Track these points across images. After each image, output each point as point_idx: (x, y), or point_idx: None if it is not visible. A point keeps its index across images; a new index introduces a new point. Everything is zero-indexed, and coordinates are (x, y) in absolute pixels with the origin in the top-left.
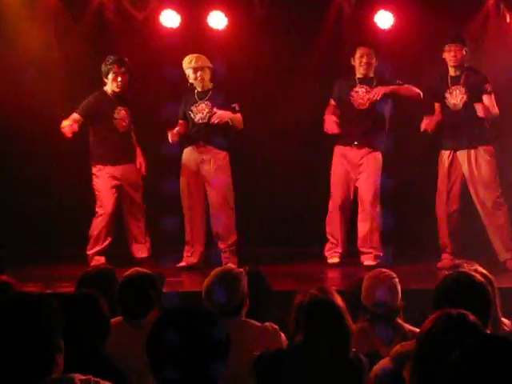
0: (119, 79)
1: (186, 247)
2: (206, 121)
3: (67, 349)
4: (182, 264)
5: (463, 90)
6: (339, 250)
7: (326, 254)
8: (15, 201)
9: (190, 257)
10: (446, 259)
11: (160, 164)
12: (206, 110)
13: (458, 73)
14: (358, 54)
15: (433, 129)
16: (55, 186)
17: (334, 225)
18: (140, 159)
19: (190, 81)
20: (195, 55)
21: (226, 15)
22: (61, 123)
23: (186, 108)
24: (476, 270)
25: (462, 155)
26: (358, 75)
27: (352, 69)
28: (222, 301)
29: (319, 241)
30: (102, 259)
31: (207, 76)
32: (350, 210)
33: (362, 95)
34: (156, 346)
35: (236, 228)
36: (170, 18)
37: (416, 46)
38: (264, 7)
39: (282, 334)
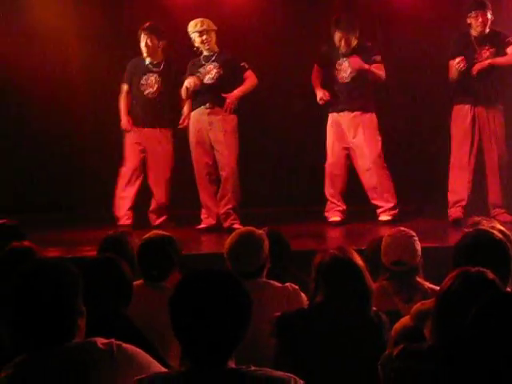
0: (144, 46)
1: (203, 210)
2: (214, 81)
3: (90, 313)
4: (202, 226)
5: (491, 49)
6: (340, 207)
7: (326, 214)
8: (36, 163)
9: (207, 218)
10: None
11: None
12: (215, 71)
13: (482, 35)
14: (336, 37)
15: None
16: (77, 146)
17: (331, 187)
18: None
19: (196, 45)
20: (200, 19)
21: None
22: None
23: (192, 72)
24: (494, 227)
25: (481, 111)
26: (341, 50)
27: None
28: (245, 262)
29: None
30: (129, 221)
31: (213, 39)
32: (347, 170)
33: (344, 68)
34: (179, 309)
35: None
36: None
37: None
38: None
39: (303, 294)
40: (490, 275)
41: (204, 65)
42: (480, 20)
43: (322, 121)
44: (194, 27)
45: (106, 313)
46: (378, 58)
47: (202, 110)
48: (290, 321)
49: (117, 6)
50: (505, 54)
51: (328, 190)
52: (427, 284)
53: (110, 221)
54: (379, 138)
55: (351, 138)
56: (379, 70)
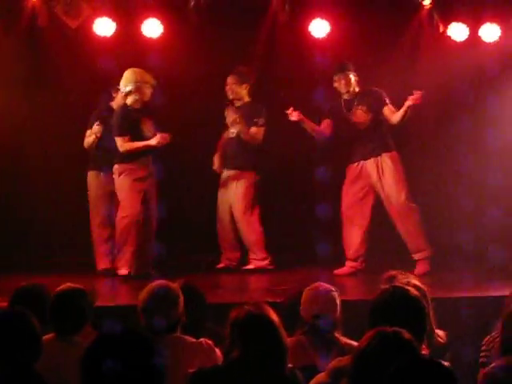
0: None
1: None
2: None
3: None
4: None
5: (364, 108)
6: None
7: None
8: None
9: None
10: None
11: None
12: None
13: (351, 97)
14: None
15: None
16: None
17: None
18: None
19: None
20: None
21: (161, 23)
22: None
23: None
24: (409, 283)
25: (369, 164)
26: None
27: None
28: (159, 318)
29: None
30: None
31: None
32: None
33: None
34: (90, 373)
35: None
36: (104, 26)
37: (351, 55)
38: (199, 15)
39: (217, 350)
40: (406, 335)
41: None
42: (343, 82)
43: None
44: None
45: (15, 367)
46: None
47: None
48: (204, 378)
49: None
50: (381, 112)
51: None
52: (344, 339)
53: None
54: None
55: None
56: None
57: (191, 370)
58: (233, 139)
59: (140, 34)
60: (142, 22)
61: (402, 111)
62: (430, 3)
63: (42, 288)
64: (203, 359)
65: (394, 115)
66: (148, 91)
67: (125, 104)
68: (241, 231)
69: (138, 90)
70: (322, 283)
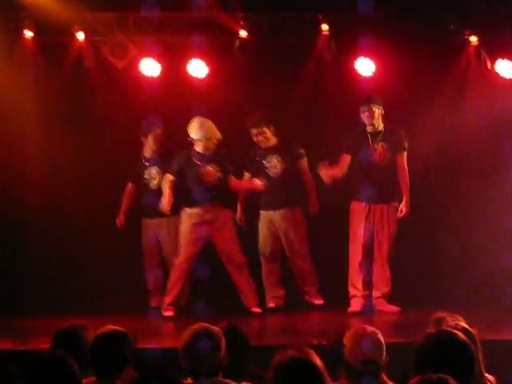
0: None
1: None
2: None
3: None
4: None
5: (385, 146)
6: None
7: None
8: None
9: None
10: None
11: None
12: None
13: (374, 131)
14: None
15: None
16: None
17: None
18: None
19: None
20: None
21: (207, 64)
22: None
23: None
24: (457, 326)
25: (377, 208)
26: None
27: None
28: (201, 361)
29: None
30: None
31: None
32: None
33: None
34: None
35: None
36: (149, 67)
37: (397, 93)
38: (244, 55)
39: None
40: (452, 382)
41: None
42: (366, 114)
43: None
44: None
45: None
46: None
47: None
48: None
49: (81, 87)
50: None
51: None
52: (391, 383)
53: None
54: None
55: None
56: None
57: None
58: (276, 178)
59: (186, 75)
60: (187, 63)
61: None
62: (478, 40)
63: (82, 329)
64: None
65: (403, 171)
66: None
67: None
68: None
69: (207, 140)
70: (366, 326)
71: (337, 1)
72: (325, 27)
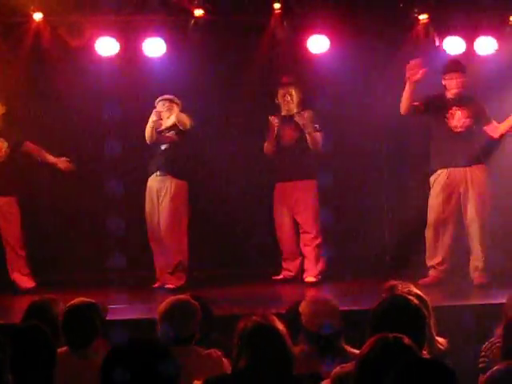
0: None
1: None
2: None
3: (16, 381)
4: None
5: (465, 113)
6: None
7: None
8: None
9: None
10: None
11: None
12: None
13: (457, 97)
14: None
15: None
16: None
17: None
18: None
19: None
20: None
21: (164, 41)
22: None
23: None
24: (410, 292)
25: (459, 173)
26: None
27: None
28: (179, 329)
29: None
30: None
31: None
32: None
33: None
34: (108, 378)
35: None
36: (106, 46)
37: (350, 70)
38: (199, 33)
39: (225, 360)
40: (407, 340)
41: None
42: (454, 82)
43: None
44: None
45: (32, 380)
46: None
47: None
48: None
49: (39, 67)
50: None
51: None
52: (348, 347)
53: None
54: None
55: None
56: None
57: (198, 381)
58: (292, 148)
59: (142, 53)
60: (143, 41)
61: None
62: (427, 18)
63: (52, 302)
64: (212, 369)
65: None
66: None
67: None
68: None
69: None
70: (320, 293)
71: None
72: (277, 5)
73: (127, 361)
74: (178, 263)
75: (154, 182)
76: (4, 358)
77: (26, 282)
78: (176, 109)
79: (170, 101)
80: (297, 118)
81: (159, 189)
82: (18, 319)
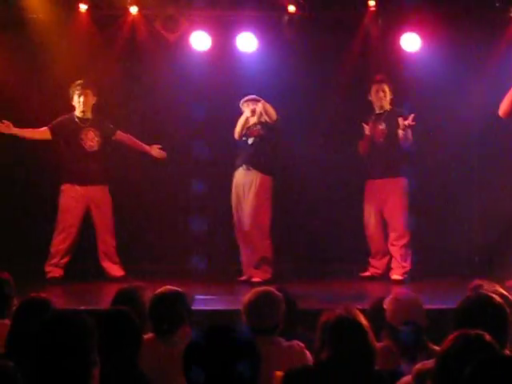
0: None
1: None
2: None
3: (104, 364)
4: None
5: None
6: None
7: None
8: None
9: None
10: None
11: None
12: None
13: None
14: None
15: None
16: None
17: None
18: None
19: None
20: None
21: (256, 37)
22: None
23: None
24: (495, 291)
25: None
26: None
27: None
28: (264, 320)
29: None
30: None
31: None
32: None
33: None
34: (192, 364)
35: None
36: (200, 41)
37: (442, 69)
38: (292, 30)
39: (308, 353)
40: (488, 337)
41: None
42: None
43: None
44: None
45: (121, 364)
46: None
47: None
48: (295, 377)
49: (134, 59)
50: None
51: None
52: (431, 345)
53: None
54: None
55: None
56: None
57: (279, 372)
58: (383, 145)
59: (234, 48)
60: (236, 36)
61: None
62: None
63: (140, 289)
64: (295, 361)
65: None
66: None
67: None
68: None
69: None
70: (406, 290)
71: None
72: (372, 3)
73: (205, 358)
74: (261, 257)
75: (241, 175)
76: (92, 341)
77: (116, 270)
78: (261, 106)
79: (256, 100)
80: (401, 124)
81: (245, 183)
82: (106, 305)
